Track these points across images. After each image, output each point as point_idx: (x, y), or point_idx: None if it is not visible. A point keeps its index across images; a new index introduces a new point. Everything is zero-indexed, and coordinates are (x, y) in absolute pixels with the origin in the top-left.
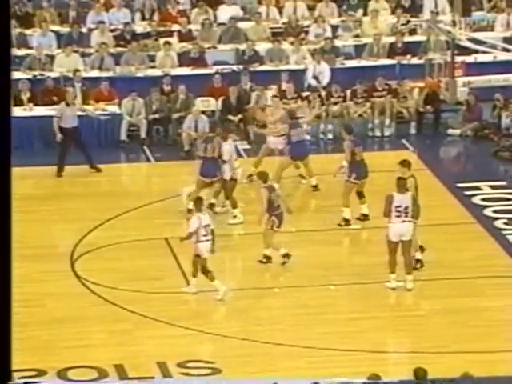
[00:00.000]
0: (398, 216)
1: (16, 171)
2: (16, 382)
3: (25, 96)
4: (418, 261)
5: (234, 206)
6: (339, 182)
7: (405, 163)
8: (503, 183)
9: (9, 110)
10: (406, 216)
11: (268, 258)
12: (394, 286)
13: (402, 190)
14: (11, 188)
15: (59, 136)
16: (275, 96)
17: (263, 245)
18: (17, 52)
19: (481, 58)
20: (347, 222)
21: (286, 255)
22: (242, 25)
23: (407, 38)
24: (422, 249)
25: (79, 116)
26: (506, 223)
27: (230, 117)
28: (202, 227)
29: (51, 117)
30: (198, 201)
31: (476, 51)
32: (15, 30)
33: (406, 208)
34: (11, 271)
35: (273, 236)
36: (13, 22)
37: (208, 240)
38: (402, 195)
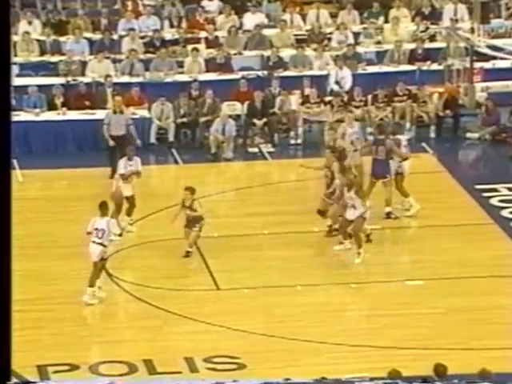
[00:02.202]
0: None
1: (50, 173)
2: (15, 381)
3: (58, 100)
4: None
5: (406, 196)
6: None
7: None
8: None
9: (9, 114)
10: None
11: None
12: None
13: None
14: (11, 189)
15: (111, 142)
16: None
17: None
18: (51, 58)
19: (499, 64)
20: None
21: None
22: (266, 32)
23: (427, 45)
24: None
25: None
26: None
27: (255, 120)
28: (93, 229)
29: (84, 121)
30: (104, 205)
31: (494, 57)
32: (50, 38)
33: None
34: (11, 271)
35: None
36: (47, 30)
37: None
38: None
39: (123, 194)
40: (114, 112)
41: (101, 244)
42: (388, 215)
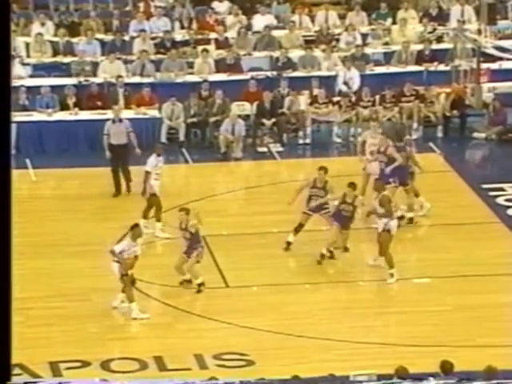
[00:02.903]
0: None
1: (62, 172)
2: (15, 381)
3: (71, 101)
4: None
5: (417, 195)
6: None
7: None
8: None
9: (8, 114)
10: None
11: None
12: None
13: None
14: (11, 189)
15: (108, 154)
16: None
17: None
18: (63, 59)
19: (505, 64)
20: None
21: (202, 284)
22: (275, 33)
23: (434, 46)
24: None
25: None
26: None
27: (264, 120)
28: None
29: (95, 121)
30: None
31: (501, 58)
32: (62, 39)
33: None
34: (11, 271)
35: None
36: (60, 31)
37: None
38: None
39: (156, 192)
40: (113, 121)
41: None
42: (410, 221)
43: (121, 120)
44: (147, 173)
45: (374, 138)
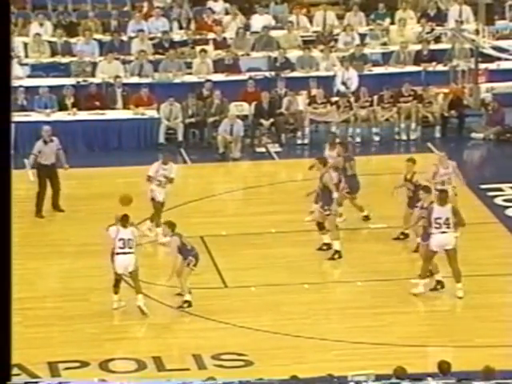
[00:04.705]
0: (438, 227)
1: (60, 172)
2: (15, 382)
3: (69, 101)
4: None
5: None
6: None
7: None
8: None
9: (9, 114)
10: (448, 227)
11: (189, 303)
12: (418, 292)
13: (442, 202)
14: (11, 189)
15: (31, 178)
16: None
17: (180, 288)
18: (61, 59)
19: (503, 64)
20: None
21: (188, 302)
22: (274, 33)
23: (433, 46)
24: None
25: (119, 120)
26: None
27: (262, 121)
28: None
29: (94, 121)
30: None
31: (499, 58)
32: (60, 39)
33: (447, 219)
34: (11, 271)
35: (189, 275)
36: (58, 31)
37: (124, 253)
38: (443, 207)
39: (156, 197)
40: (45, 142)
41: (134, 253)
42: (366, 218)
43: (52, 140)
44: (149, 177)
45: (445, 167)
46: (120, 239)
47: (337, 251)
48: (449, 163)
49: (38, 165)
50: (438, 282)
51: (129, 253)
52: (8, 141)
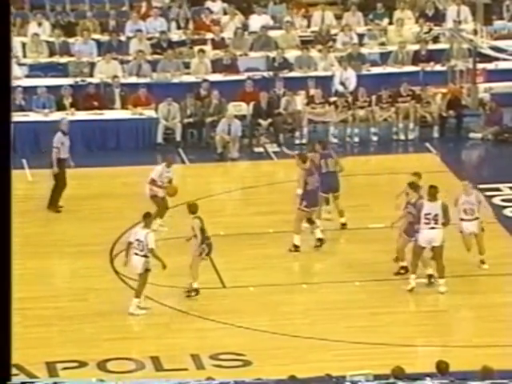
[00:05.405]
0: (427, 223)
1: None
2: (15, 382)
3: (67, 101)
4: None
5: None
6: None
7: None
8: None
9: (9, 114)
10: (436, 223)
11: (197, 291)
12: (411, 287)
13: (432, 198)
14: (11, 189)
15: (55, 170)
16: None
17: (190, 276)
18: (60, 59)
19: (501, 65)
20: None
21: (196, 290)
22: (272, 33)
23: (431, 46)
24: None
25: (117, 120)
26: None
27: (261, 121)
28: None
29: (92, 121)
30: (147, 216)
31: (497, 58)
32: (59, 39)
33: (436, 215)
34: (11, 272)
35: (199, 264)
36: (56, 31)
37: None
38: (433, 203)
39: (158, 194)
40: (64, 133)
41: (144, 256)
42: (344, 226)
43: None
44: (152, 180)
45: (468, 195)
46: (136, 240)
47: (295, 245)
48: (472, 192)
49: (58, 158)
50: (430, 276)
51: (138, 254)
52: (8, 141)
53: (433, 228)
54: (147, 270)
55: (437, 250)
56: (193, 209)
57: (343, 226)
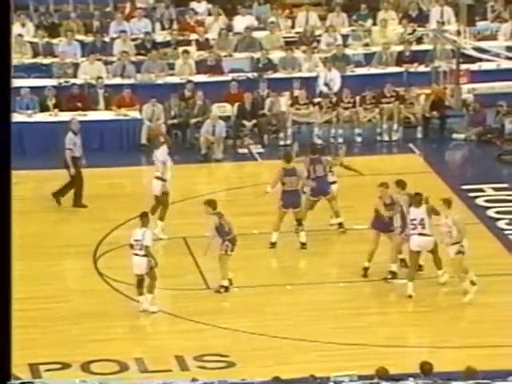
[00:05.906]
0: (414, 229)
1: (43, 174)
2: (15, 382)
3: (51, 102)
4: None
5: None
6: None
7: (400, 183)
8: (505, 185)
9: (9, 114)
10: (423, 227)
11: (226, 288)
12: (411, 293)
13: (417, 204)
14: (11, 189)
15: (72, 170)
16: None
17: (221, 273)
18: (43, 60)
19: (485, 65)
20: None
21: (225, 287)
22: (256, 34)
23: (414, 47)
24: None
25: (101, 121)
26: (508, 223)
27: (245, 122)
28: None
29: None
30: (144, 215)
31: (480, 59)
32: (42, 40)
33: (422, 220)
34: (11, 272)
35: (227, 260)
36: (40, 32)
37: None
38: (417, 209)
39: (164, 190)
40: (75, 133)
41: (145, 255)
42: (340, 225)
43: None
44: (161, 178)
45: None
46: (134, 240)
47: (271, 242)
48: (448, 214)
49: (73, 157)
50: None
51: (138, 255)
52: (8, 141)
53: (421, 234)
54: (152, 268)
55: (432, 249)
56: (212, 205)
57: (340, 225)
